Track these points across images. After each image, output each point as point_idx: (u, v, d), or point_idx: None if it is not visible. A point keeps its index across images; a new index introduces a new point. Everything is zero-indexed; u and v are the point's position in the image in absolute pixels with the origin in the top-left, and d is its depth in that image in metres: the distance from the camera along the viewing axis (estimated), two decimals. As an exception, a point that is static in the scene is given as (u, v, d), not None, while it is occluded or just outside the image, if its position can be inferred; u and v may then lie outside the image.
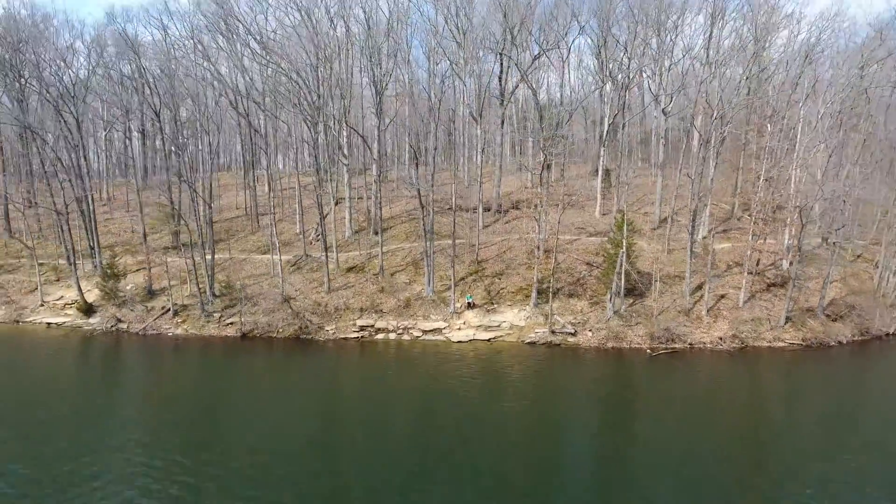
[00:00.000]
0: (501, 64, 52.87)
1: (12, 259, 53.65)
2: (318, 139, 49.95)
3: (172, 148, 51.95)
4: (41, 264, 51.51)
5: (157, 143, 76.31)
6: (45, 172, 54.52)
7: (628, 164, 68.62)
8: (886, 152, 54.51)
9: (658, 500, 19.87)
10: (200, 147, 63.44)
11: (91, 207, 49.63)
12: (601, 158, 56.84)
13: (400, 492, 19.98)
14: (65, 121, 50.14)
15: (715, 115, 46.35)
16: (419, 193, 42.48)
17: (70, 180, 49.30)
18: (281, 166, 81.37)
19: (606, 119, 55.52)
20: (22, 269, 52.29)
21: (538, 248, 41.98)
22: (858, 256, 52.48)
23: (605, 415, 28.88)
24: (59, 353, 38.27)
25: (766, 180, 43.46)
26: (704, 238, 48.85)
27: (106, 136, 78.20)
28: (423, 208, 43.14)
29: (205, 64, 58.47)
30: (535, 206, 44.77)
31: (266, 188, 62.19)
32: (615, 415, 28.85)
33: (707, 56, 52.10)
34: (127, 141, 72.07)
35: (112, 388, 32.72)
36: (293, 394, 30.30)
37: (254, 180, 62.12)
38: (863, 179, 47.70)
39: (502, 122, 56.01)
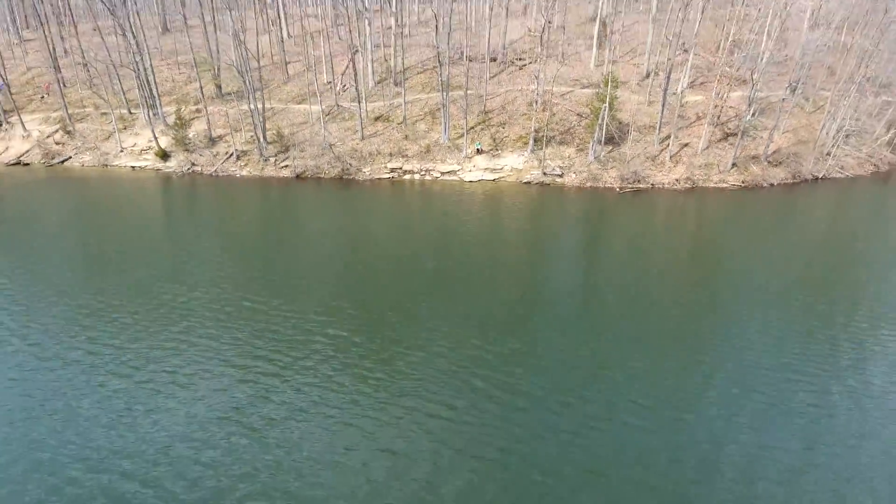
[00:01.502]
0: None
1: (76, 109, 61.18)
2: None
3: None
4: (104, 114, 59.65)
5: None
6: (99, 29, 59.50)
7: (628, 10, 72.21)
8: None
9: (599, 288, 31.53)
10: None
11: (150, 62, 55.84)
12: (599, 8, 61.26)
13: (419, 292, 31.24)
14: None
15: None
16: (438, 53, 49.08)
17: (125, 34, 54.79)
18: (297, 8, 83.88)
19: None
20: (88, 118, 60.22)
21: (536, 101, 49.95)
22: (819, 107, 60.03)
23: (575, 234, 40.00)
24: (153, 191, 48.52)
25: (734, 41, 49.57)
26: (683, 91, 56.18)
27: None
28: (441, 66, 50.09)
29: None
30: (537, 58, 51.43)
31: (281, 33, 67.36)
32: (584, 234, 39.99)
33: None
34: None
35: (209, 219, 43.48)
36: (344, 224, 41.07)
37: (283, 26, 66.62)
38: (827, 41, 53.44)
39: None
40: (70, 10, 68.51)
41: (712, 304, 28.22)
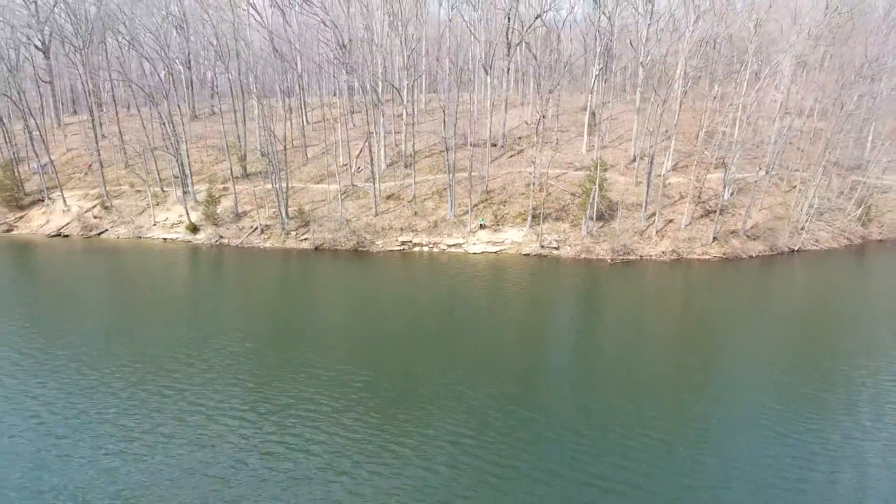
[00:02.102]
0: (508, 20, 63.14)
1: (113, 186, 67.00)
2: (355, 85, 61.48)
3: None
4: (138, 191, 65.38)
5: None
6: (140, 113, 66.58)
7: (618, 100, 79.99)
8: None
9: (599, 349, 35.04)
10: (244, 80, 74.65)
11: (186, 146, 62.12)
12: (589, 101, 68.51)
13: (430, 347, 34.87)
14: (159, 75, 61.50)
15: (680, 70, 57.92)
16: (444, 140, 55.17)
17: (162, 123, 61.44)
18: (317, 98, 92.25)
19: (593, 70, 66.37)
20: (124, 194, 65.92)
21: (533, 183, 55.45)
22: (794, 187, 65.67)
23: (571, 300, 43.87)
24: (184, 261, 52.99)
25: (707, 132, 55.80)
26: (667, 173, 61.97)
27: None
28: (447, 150, 56.06)
29: (250, 11, 68.76)
30: (533, 145, 57.47)
31: (301, 119, 74.60)
32: (579, 300, 43.87)
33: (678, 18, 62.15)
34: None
35: (235, 286, 47.63)
36: (360, 289, 45.15)
37: (304, 114, 73.92)
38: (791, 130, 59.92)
39: (508, 70, 66.97)
40: (114, 99, 75.96)
41: (699, 363, 31.67)
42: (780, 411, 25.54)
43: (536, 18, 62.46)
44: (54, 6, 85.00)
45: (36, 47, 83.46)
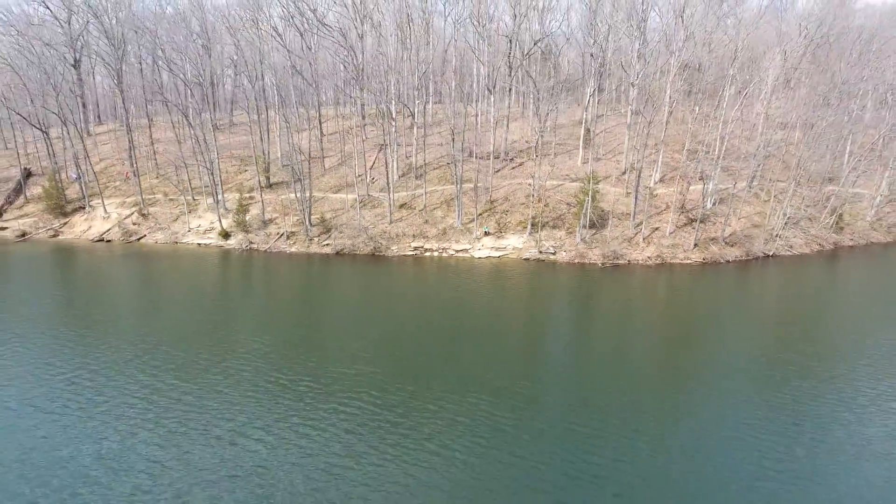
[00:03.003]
0: (510, 45, 69.14)
1: (146, 195, 73.10)
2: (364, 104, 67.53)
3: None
4: (171, 199, 71.53)
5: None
6: (173, 125, 72.76)
7: (613, 112, 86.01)
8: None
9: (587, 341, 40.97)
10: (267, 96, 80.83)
11: (217, 160, 68.18)
12: (585, 117, 74.47)
13: (440, 344, 40.85)
14: (192, 93, 67.58)
15: (667, 93, 63.94)
16: (453, 157, 61.24)
17: (193, 137, 67.42)
18: (331, 108, 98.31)
19: (588, 89, 72.36)
20: (158, 202, 72.08)
21: (533, 194, 61.47)
22: (773, 196, 71.58)
23: (566, 300, 49.86)
24: (218, 264, 59.06)
25: (690, 149, 61.71)
26: (655, 185, 68.02)
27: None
28: (455, 164, 62.10)
29: (272, 33, 74.91)
30: (532, 158, 63.43)
31: (318, 131, 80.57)
32: (573, 299, 49.87)
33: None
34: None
35: (264, 287, 53.66)
36: (380, 290, 51.17)
37: (319, 125, 79.95)
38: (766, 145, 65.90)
39: (510, 90, 72.97)
40: (147, 114, 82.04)
41: (680, 354, 37.66)
42: (749, 396, 31.51)
43: (535, 44, 68.42)
44: (86, 24, 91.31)
45: (69, 64, 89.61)
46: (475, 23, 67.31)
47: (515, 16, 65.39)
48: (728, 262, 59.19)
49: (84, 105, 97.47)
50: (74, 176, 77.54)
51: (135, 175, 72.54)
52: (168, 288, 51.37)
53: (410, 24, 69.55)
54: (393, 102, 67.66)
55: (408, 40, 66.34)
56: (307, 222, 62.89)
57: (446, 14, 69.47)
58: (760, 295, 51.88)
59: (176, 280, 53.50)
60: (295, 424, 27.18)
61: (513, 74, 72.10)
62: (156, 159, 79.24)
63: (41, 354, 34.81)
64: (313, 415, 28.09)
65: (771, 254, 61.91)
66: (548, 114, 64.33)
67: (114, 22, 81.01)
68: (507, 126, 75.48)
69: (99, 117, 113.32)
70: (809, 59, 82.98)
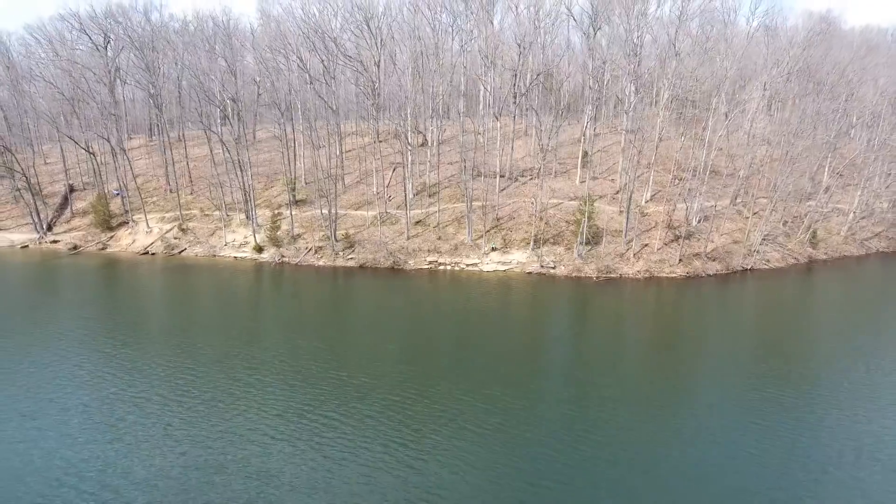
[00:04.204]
0: (515, 77, 76.29)
1: (184, 211, 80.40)
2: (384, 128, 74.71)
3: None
4: (206, 215, 78.87)
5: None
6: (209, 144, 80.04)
7: (611, 130, 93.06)
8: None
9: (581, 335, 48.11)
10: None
11: (251, 182, 75.46)
12: (583, 141, 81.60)
13: (454, 346, 48.01)
14: (227, 116, 74.86)
15: (659, 125, 71.04)
16: (463, 182, 68.44)
17: (237, 167, 74.63)
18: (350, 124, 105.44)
19: (586, 116, 79.46)
20: (195, 218, 79.41)
21: (535, 213, 68.68)
22: (754, 214, 78.59)
23: (564, 309, 57.07)
24: (254, 276, 66.35)
25: (677, 174, 68.83)
26: (646, 203, 75.14)
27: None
28: (465, 187, 69.30)
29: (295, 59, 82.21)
30: (534, 178, 70.55)
31: (338, 148, 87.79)
32: (570, 309, 57.07)
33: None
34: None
35: (296, 299, 60.92)
36: (401, 300, 58.38)
37: (340, 147, 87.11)
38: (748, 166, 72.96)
39: (514, 116, 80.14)
40: (183, 136, 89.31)
41: (666, 356, 44.85)
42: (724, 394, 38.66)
43: (538, 76, 75.57)
44: (121, 50, 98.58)
45: (105, 85, 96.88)
46: (483, 57, 74.50)
47: (520, 51, 72.52)
48: (709, 275, 66.31)
49: (117, 123, 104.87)
50: (116, 192, 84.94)
51: (176, 192, 79.84)
52: (220, 299, 58.74)
53: (424, 56, 76.53)
54: (409, 131, 74.81)
55: (421, 73, 73.51)
56: (333, 238, 70.14)
57: (460, 46, 76.11)
58: (733, 305, 59.12)
59: (224, 291, 60.88)
60: (328, 413, 34.46)
61: (517, 102, 79.27)
62: (190, 176, 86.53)
63: (143, 355, 42.07)
64: (326, 415, 35.39)
65: (749, 267, 68.98)
66: (549, 140, 71.41)
67: (149, 50, 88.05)
68: (512, 145, 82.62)
69: (128, 131, 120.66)
70: (786, 90, 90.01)
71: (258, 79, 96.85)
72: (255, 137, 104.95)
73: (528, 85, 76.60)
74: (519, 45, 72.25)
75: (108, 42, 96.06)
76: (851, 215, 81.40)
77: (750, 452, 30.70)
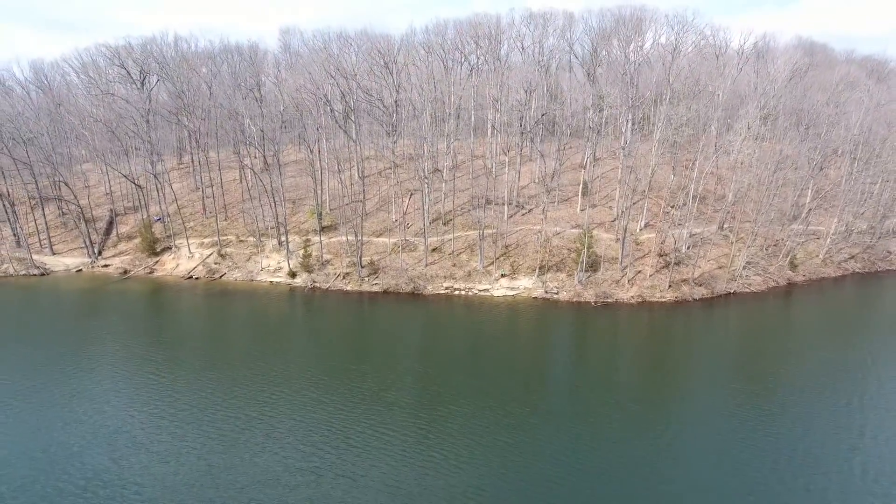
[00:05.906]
0: (522, 119, 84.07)
1: (221, 236, 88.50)
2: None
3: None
4: (241, 241, 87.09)
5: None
6: (244, 180, 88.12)
7: (608, 156, 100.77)
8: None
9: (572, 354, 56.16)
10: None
11: (283, 210, 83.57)
12: (583, 173, 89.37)
13: (465, 356, 56.01)
14: (261, 148, 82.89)
15: (652, 163, 78.81)
16: (476, 215, 76.49)
17: (274, 203, 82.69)
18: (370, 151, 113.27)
19: (586, 151, 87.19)
20: (231, 244, 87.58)
21: (540, 241, 76.70)
22: (739, 239, 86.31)
23: (565, 330, 65.11)
24: (289, 301, 74.56)
25: (664, 209, 76.66)
26: (640, 231, 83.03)
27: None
28: (478, 221, 77.34)
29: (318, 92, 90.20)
30: (539, 207, 78.49)
31: (354, 174, 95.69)
32: (570, 328, 65.13)
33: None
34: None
35: (334, 320, 69.05)
36: (419, 322, 66.49)
37: (360, 171, 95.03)
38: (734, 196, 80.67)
39: (520, 149, 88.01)
40: (219, 166, 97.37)
41: (656, 376, 52.86)
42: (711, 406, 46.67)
43: (543, 115, 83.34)
44: (156, 83, 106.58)
45: (143, 116, 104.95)
46: (492, 101, 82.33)
47: (526, 98, 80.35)
48: (696, 300, 74.27)
49: (151, 151, 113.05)
50: (157, 218, 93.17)
51: (215, 219, 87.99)
52: (269, 325, 67.08)
53: (438, 93, 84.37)
54: (426, 168, 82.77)
55: (434, 111, 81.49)
56: (359, 264, 78.30)
57: (474, 90, 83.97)
58: (717, 329, 67.15)
59: (272, 317, 69.49)
60: (357, 419, 42.61)
61: (523, 140, 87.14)
62: (224, 201, 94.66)
63: (230, 377, 50.34)
64: (345, 423, 43.55)
65: (732, 291, 76.88)
66: (553, 179, 79.29)
67: (184, 87, 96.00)
68: (518, 173, 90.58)
69: (161, 161, 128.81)
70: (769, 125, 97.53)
71: (282, 108, 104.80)
72: (278, 161, 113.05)
73: (532, 125, 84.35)
74: (526, 92, 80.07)
75: (145, 77, 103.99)
76: (829, 239, 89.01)
77: (733, 464, 38.90)
